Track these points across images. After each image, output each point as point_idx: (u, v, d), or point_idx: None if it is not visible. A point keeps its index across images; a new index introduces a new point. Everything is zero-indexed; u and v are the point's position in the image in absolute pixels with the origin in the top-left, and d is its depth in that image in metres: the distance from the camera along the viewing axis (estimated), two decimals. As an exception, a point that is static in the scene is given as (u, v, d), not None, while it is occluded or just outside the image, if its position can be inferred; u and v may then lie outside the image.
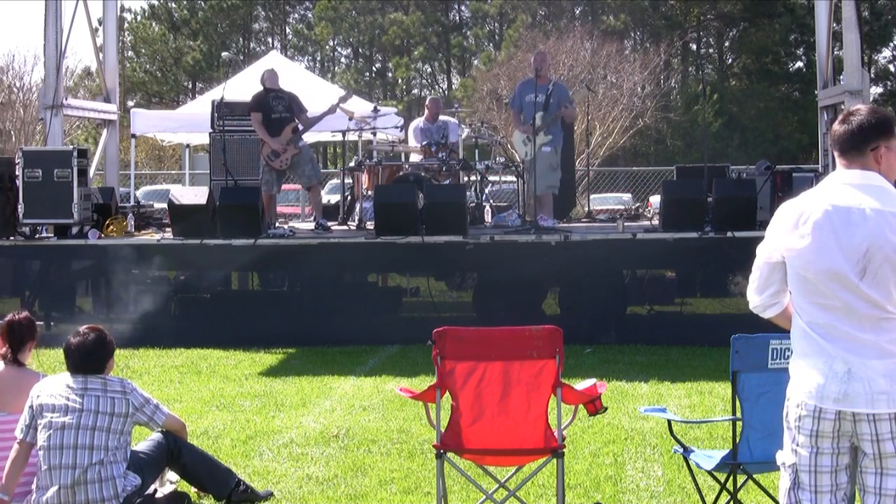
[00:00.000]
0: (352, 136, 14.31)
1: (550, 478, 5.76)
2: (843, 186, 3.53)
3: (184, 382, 9.24)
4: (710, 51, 48.10)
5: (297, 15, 52.56)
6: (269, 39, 51.75)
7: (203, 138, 17.62)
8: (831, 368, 3.46)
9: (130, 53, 47.68)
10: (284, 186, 13.60)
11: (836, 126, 3.63)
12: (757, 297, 3.72)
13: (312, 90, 15.28)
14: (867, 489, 3.47)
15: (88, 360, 5.18)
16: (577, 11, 44.78)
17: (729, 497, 5.04)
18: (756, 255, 3.71)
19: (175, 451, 5.50)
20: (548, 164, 11.69)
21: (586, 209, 15.02)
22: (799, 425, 3.54)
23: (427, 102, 14.03)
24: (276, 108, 11.88)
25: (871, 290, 3.43)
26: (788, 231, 3.55)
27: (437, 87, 49.44)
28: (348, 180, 14.58)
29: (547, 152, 11.64)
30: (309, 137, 13.17)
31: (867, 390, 3.42)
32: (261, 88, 12.12)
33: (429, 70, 50.41)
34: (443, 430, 4.97)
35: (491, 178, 14.88)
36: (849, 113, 3.62)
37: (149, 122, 18.01)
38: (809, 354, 3.53)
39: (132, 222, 12.59)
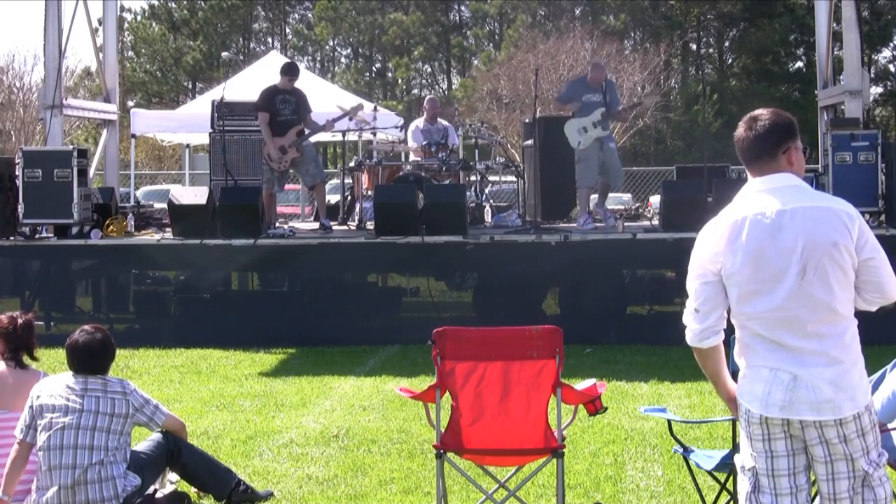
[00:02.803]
0: (352, 136, 14.30)
1: (550, 478, 5.76)
2: (765, 193, 3.52)
3: (184, 382, 9.24)
4: (710, 51, 48.10)
5: (297, 15, 52.59)
6: (269, 39, 51.76)
7: (203, 138, 17.62)
8: (776, 377, 3.46)
9: (130, 53, 47.69)
10: (285, 186, 13.55)
11: (743, 133, 3.59)
12: (699, 324, 3.59)
13: (312, 90, 15.27)
14: (823, 496, 3.48)
15: (94, 361, 5.18)
16: (577, 11, 44.78)
17: (729, 497, 5.04)
18: (688, 282, 3.62)
19: (175, 451, 5.49)
20: (617, 159, 12.29)
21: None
22: (749, 432, 3.54)
23: (425, 103, 14.01)
24: (282, 111, 11.77)
25: (815, 289, 3.41)
26: (724, 248, 3.52)
27: (437, 87, 49.46)
28: (348, 180, 14.58)
29: (613, 148, 12.14)
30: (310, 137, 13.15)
31: (812, 398, 3.41)
32: (271, 84, 12.01)
33: (429, 70, 50.41)
34: (443, 430, 4.97)
35: (491, 178, 14.87)
36: (752, 119, 3.59)
37: (149, 122, 18.01)
38: (755, 365, 3.52)
39: (132, 222, 12.60)
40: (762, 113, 3.59)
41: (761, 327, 3.48)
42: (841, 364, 3.42)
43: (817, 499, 3.66)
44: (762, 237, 3.46)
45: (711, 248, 3.56)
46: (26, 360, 5.55)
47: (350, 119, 12.88)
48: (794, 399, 3.42)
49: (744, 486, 3.59)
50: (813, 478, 3.58)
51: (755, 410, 3.49)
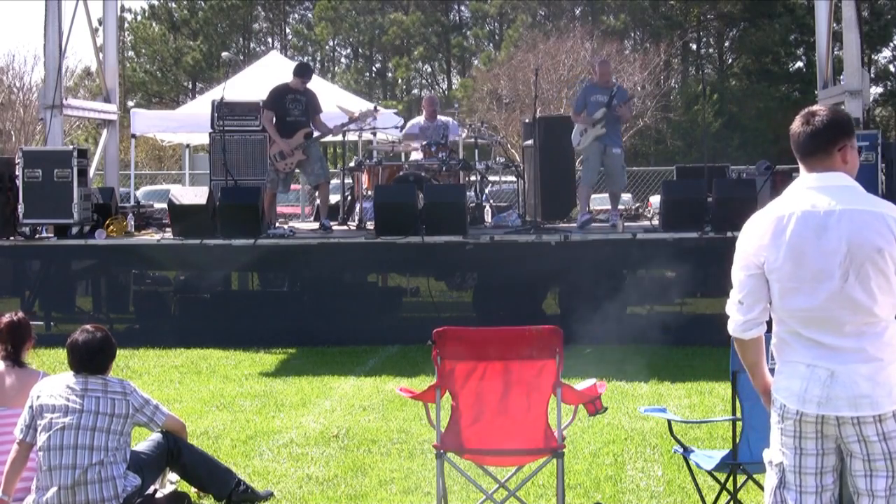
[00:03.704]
0: (352, 136, 14.31)
1: (550, 478, 5.76)
2: (815, 191, 3.49)
3: (184, 382, 9.24)
4: (710, 51, 48.10)
5: (297, 15, 52.60)
6: (269, 39, 51.78)
7: (203, 138, 17.62)
8: (813, 373, 3.45)
9: (130, 53, 47.71)
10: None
11: (799, 128, 3.56)
12: (743, 315, 3.58)
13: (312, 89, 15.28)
14: (859, 492, 3.47)
15: (94, 360, 5.18)
16: (577, 11, 44.81)
17: (729, 497, 5.04)
18: (733, 273, 3.61)
19: (175, 451, 5.49)
20: (620, 165, 12.08)
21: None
22: (782, 427, 3.53)
23: (423, 101, 14.01)
24: (292, 111, 11.75)
25: (856, 293, 3.40)
26: (768, 242, 3.50)
27: (437, 87, 49.46)
28: (348, 180, 14.58)
29: (617, 154, 11.93)
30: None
31: (849, 394, 3.40)
32: (282, 83, 12.00)
33: (429, 70, 50.43)
34: (443, 430, 4.97)
35: (491, 178, 14.86)
36: (809, 114, 3.56)
37: (149, 122, 18.00)
38: (792, 360, 3.52)
39: (132, 222, 12.58)
40: (820, 109, 3.57)
41: (799, 324, 3.48)
42: (879, 361, 3.42)
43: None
44: (807, 236, 3.44)
45: (756, 240, 3.54)
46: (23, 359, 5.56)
47: (354, 121, 12.90)
48: (831, 395, 3.41)
49: (770, 480, 3.59)
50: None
51: (791, 406, 3.48)
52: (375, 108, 14.15)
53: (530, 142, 13.45)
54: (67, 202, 11.35)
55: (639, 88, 33.05)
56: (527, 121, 15.53)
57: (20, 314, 5.67)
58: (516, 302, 10.94)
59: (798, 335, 3.49)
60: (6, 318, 5.58)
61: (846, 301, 3.41)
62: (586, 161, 11.90)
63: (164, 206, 12.86)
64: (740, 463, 4.86)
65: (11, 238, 11.51)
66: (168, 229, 11.97)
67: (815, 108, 3.60)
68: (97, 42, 14.82)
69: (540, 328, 5.03)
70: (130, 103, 40.39)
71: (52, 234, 11.81)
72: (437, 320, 9.05)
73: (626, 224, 11.82)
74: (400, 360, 10.14)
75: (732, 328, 3.63)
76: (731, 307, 3.62)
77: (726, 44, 46.57)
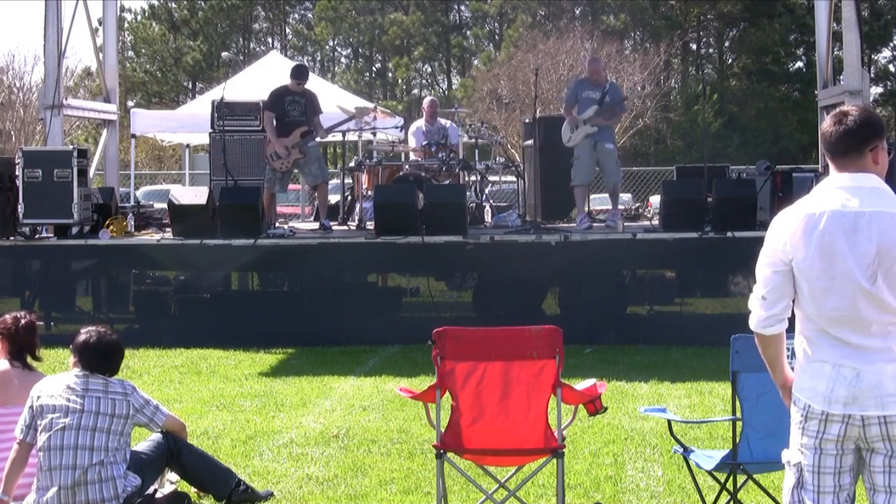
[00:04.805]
0: (352, 136, 14.31)
1: (550, 478, 5.76)
2: (846, 191, 3.48)
3: (184, 382, 9.24)
4: (710, 51, 48.13)
5: (297, 15, 52.62)
6: (269, 39, 51.79)
7: (203, 138, 17.62)
8: (839, 373, 3.45)
9: (130, 53, 47.72)
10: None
11: (831, 128, 3.56)
12: (765, 311, 3.57)
13: (312, 90, 15.28)
14: (877, 487, 3.47)
15: (107, 362, 5.18)
16: (577, 11, 44.82)
17: (729, 497, 5.04)
18: (758, 268, 3.60)
19: (175, 451, 5.50)
20: (613, 160, 12.00)
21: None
22: (804, 427, 3.52)
23: (424, 104, 14.00)
24: (290, 112, 11.78)
25: (884, 295, 3.41)
26: (798, 240, 3.49)
27: (437, 87, 49.47)
28: (348, 180, 14.58)
29: (610, 149, 11.85)
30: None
31: (876, 393, 3.41)
32: (282, 85, 12.04)
33: (429, 70, 50.44)
34: (443, 430, 4.97)
35: (491, 178, 14.87)
36: (842, 113, 3.56)
37: (149, 122, 18.01)
38: (817, 359, 3.51)
39: (132, 222, 12.59)
40: (852, 109, 3.57)
41: (828, 324, 3.47)
42: None
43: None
44: (837, 236, 3.44)
45: (785, 237, 3.52)
46: (30, 360, 5.57)
47: (351, 119, 12.91)
48: (857, 395, 3.42)
49: (789, 480, 3.59)
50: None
51: (817, 407, 3.47)
52: (375, 107, 14.17)
53: (530, 142, 13.45)
54: (67, 202, 11.34)
55: (639, 88, 33.05)
56: (527, 121, 15.54)
57: (30, 315, 5.68)
58: (516, 302, 10.94)
59: (825, 334, 3.49)
60: (15, 318, 5.59)
61: (873, 301, 3.42)
62: (577, 160, 11.74)
63: (164, 206, 12.86)
64: (740, 463, 4.85)
65: (11, 238, 11.51)
66: (168, 229, 11.96)
67: (846, 107, 3.59)
68: (97, 42, 14.81)
69: (540, 328, 5.04)
70: (130, 103, 40.38)
71: (52, 234, 11.80)
72: (437, 320, 9.05)
73: (626, 224, 11.82)
74: (400, 360, 10.14)
75: (754, 324, 3.62)
76: (754, 302, 3.61)
77: (726, 44, 46.59)
